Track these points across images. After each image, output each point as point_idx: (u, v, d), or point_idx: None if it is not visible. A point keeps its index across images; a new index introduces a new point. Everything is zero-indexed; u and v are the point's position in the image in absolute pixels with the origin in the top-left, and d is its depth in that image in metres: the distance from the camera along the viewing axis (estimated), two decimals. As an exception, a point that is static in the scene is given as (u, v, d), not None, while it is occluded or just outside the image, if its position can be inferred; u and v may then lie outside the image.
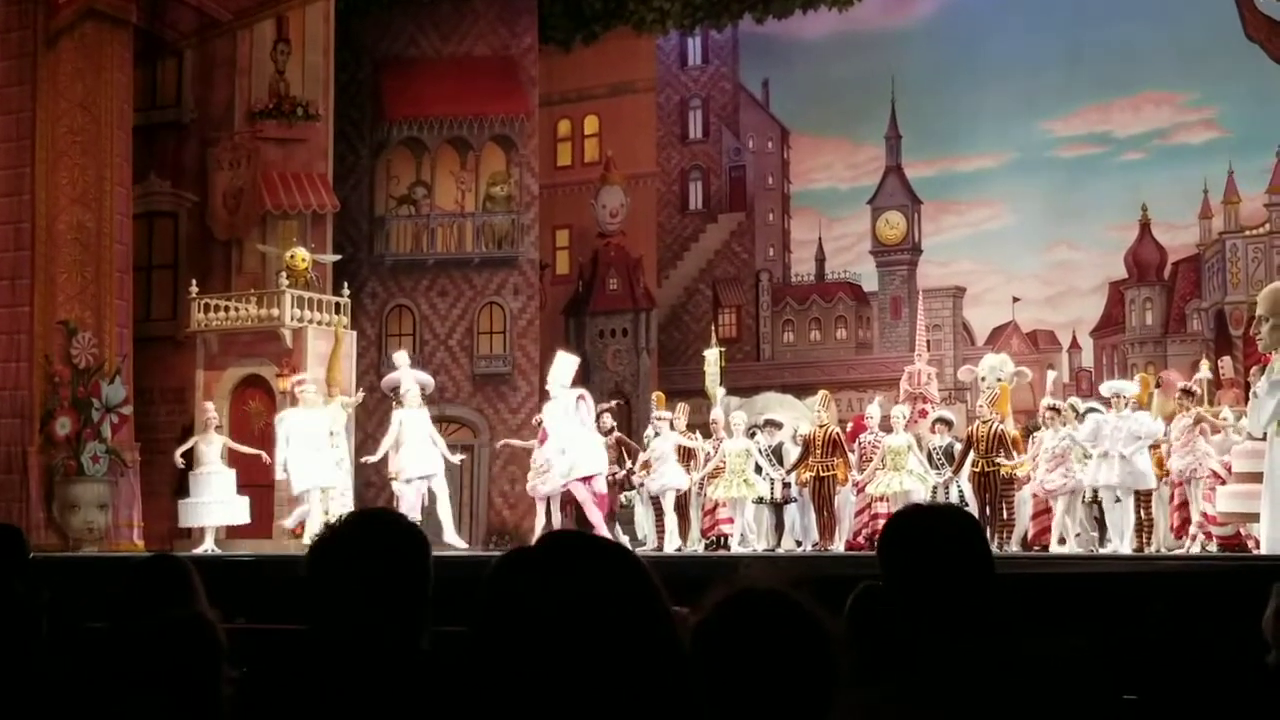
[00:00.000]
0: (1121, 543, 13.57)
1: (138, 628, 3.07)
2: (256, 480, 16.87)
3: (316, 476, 15.53)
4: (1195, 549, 13.06)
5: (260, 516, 16.84)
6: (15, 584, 4.00)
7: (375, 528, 2.81)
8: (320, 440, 15.60)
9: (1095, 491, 14.15)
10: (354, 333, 18.84)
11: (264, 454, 16.37)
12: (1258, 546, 11.76)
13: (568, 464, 14.35)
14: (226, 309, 18.15)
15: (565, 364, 14.94)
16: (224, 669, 3.06)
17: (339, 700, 2.75)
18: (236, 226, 20.06)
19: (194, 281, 18.47)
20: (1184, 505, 13.62)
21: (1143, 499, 13.92)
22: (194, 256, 20.15)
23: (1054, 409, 14.28)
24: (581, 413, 14.67)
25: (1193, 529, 13.31)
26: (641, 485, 15.95)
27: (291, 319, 17.67)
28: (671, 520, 15.82)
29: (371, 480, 18.79)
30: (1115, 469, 13.54)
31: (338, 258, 19.58)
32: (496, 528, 20.72)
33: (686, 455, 16.21)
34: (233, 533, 16.67)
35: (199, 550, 15.86)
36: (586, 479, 14.46)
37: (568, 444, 14.24)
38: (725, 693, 1.97)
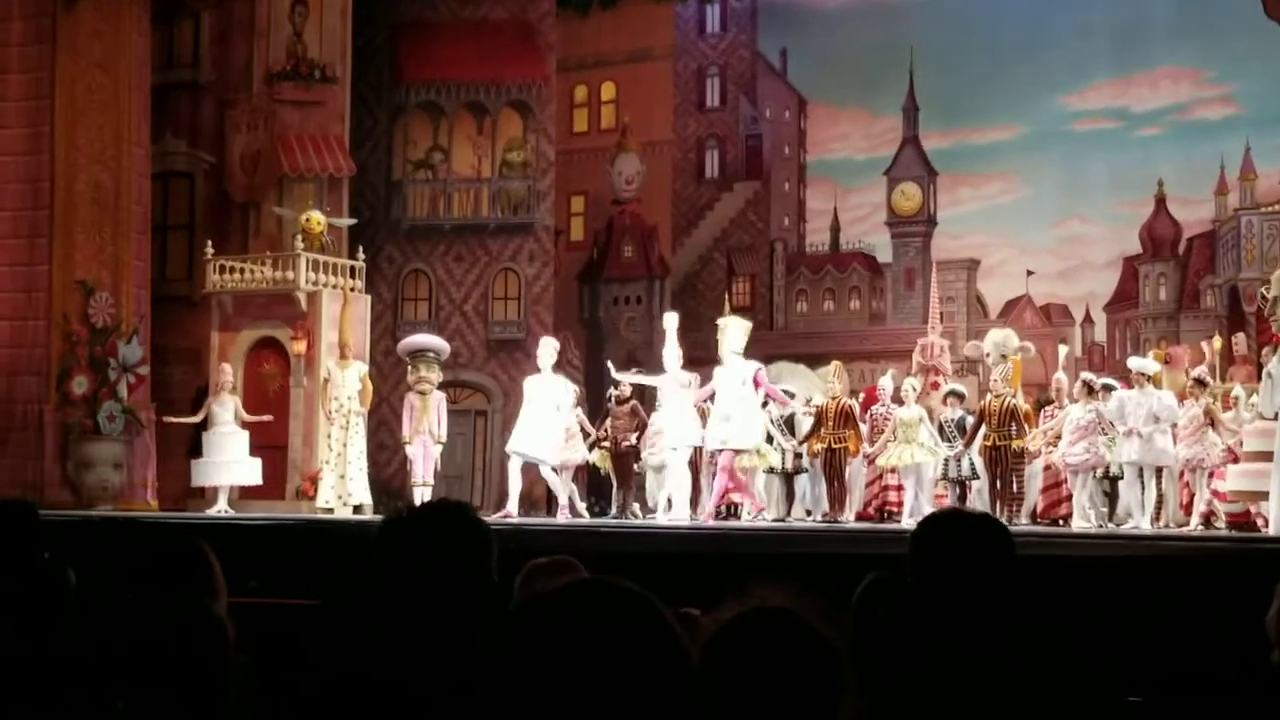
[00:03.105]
0: (1143, 519, 13.59)
1: (145, 621, 3.12)
2: (270, 441, 16.97)
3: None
4: (1200, 529, 13.13)
5: (273, 478, 16.94)
6: (39, 559, 4.06)
7: (440, 520, 2.88)
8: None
9: (1109, 467, 14.20)
10: (368, 297, 18.87)
11: (272, 418, 16.52)
12: (1266, 525, 11.80)
13: (727, 431, 14.27)
14: (241, 271, 18.19)
15: (739, 330, 14.76)
16: (232, 660, 3.11)
17: (368, 687, 2.80)
18: (253, 189, 20.10)
19: (209, 243, 18.50)
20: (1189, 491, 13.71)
21: (1156, 475, 13.95)
22: (210, 218, 20.19)
23: (1086, 383, 14.29)
24: (751, 385, 14.43)
25: (1195, 519, 13.34)
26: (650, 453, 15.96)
27: (306, 282, 17.70)
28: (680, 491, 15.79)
29: (385, 443, 18.90)
30: (1136, 446, 13.56)
31: (354, 221, 19.60)
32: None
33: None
34: (246, 493, 16.75)
35: (212, 510, 15.97)
36: (735, 451, 14.41)
37: (733, 411, 14.15)
38: (731, 710, 2.02)
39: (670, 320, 15.49)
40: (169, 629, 3.05)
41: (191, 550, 3.92)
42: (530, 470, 19.80)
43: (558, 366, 15.88)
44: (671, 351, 15.09)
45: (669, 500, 15.02)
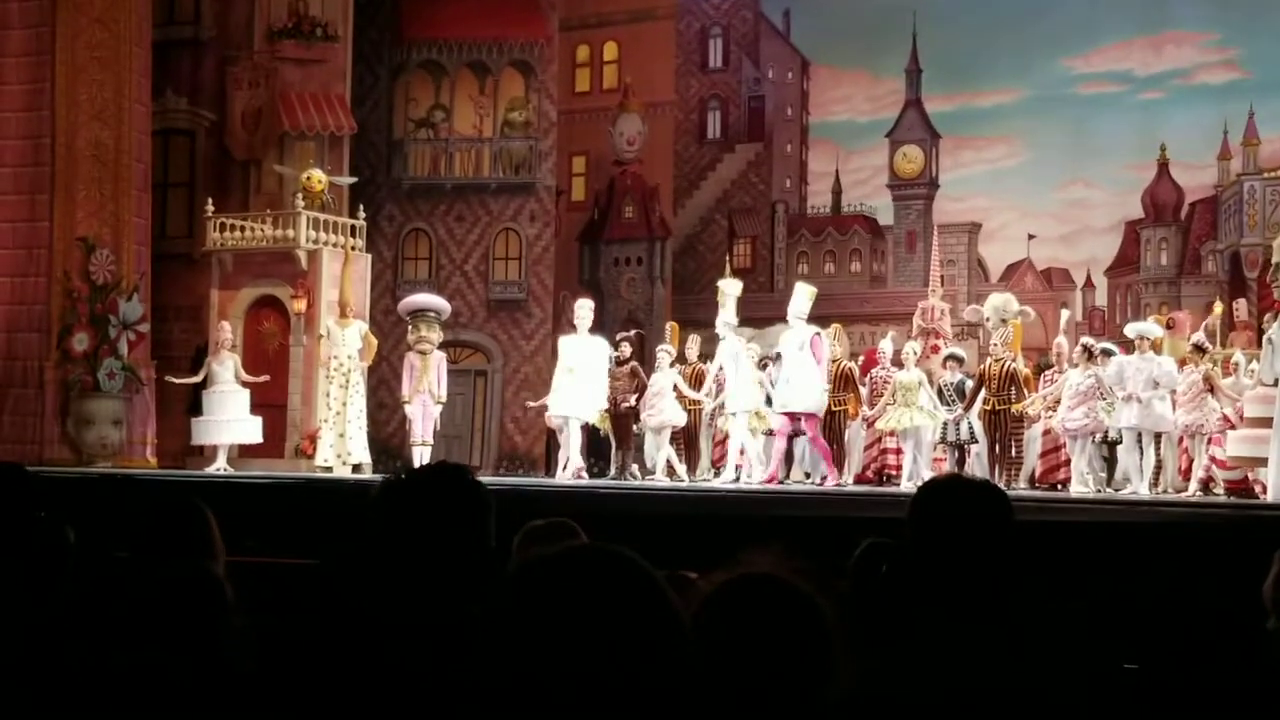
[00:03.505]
0: (1141, 485, 13.63)
1: (142, 581, 3.13)
2: (269, 400, 16.99)
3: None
4: (1198, 495, 13.18)
5: (272, 436, 16.98)
6: (33, 519, 4.06)
7: (438, 483, 2.88)
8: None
9: (1107, 432, 14.22)
10: (368, 256, 18.86)
11: (269, 379, 16.55)
12: (1264, 492, 11.82)
13: (787, 395, 14.34)
14: (242, 229, 18.17)
15: (804, 295, 14.81)
16: (229, 621, 3.12)
17: (364, 649, 2.81)
18: (254, 147, 20.05)
19: (210, 201, 18.48)
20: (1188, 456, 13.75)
21: (1155, 440, 13.99)
22: (210, 175, 20.15)
23: (1085, 348, 14.29)
24: (808, 349, 14.48)
25: (1194, 485, 13.39)
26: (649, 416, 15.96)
27: (307, 240, 17.69)
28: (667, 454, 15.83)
29: (385, 402, 18.92)
30: (1135, 411, 13.59)
31: (354, 180, 19.55)
32: (507, 453, 20.84)
33: (698, 386, 16.23)
34: (245, 451, 16.79)
35: (211, 469, 16.02)
36: (798, 415, 14.47)
37: (793, 375, 14.23)
38: (722, 675, 2.02)
39: (731, 286, 15.47)
40: (166, 589, 3.06)
41: (189, 510, 3.92)
42: (531, 427, 19.90)
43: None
44: (726, 317, 15.09)
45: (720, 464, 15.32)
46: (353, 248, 17.95)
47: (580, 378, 15.36)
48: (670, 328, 17.77)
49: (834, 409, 15.44)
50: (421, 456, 16.09)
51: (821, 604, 2.18)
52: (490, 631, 1.67)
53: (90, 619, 3.18)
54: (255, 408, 16.50)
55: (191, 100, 20.40)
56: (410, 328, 16.44)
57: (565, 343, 15.81)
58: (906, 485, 14.37)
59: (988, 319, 15.52)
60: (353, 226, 18.34)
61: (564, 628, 1.60)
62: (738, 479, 14.81)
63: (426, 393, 16.04)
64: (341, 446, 16.41)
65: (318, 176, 18.09)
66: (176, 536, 3.76)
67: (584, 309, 15.82)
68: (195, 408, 16.80)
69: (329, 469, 16.30)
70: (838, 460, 15.56)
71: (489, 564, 2.81)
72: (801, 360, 14.20)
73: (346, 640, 2.91)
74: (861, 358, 16.86)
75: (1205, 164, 20.94)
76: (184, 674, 2.79)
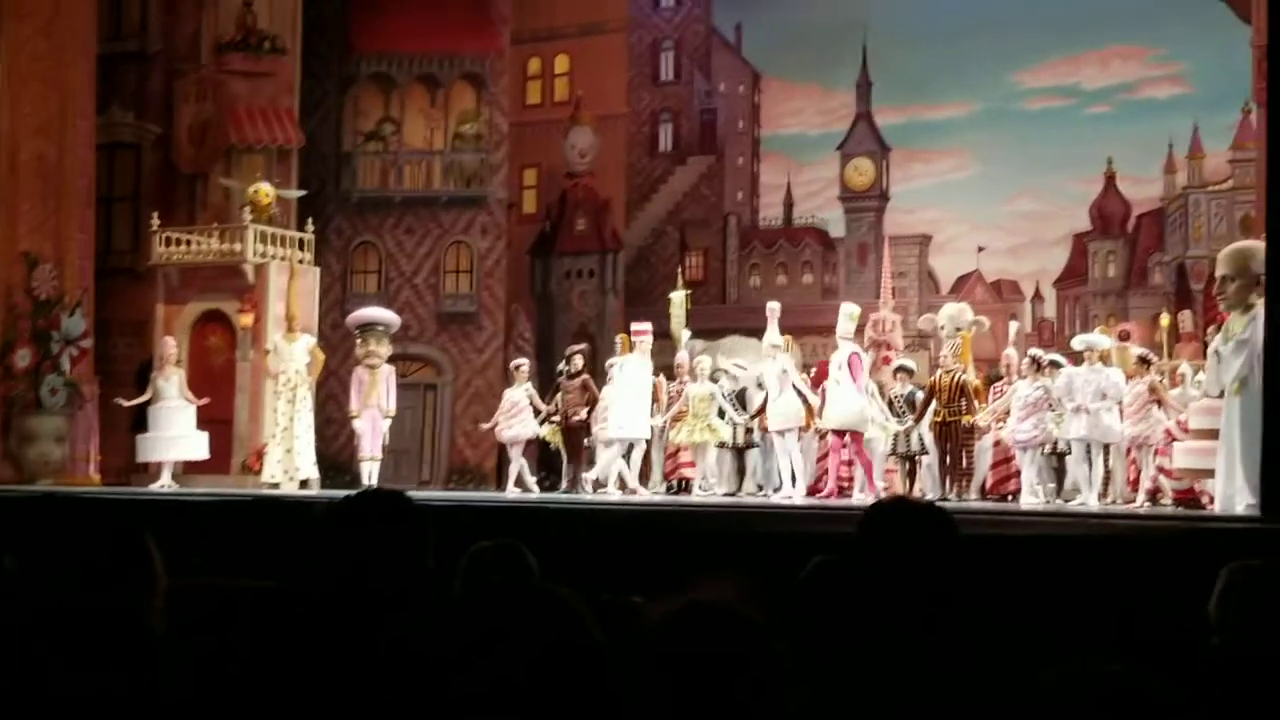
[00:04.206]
0: (1090, 495, 13.69)
1: (69, 617, 3.05)
2: (216, 415, 16.84)
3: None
4: (1146, 506, 13.26)
5: (219, 452, 16.83)
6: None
7: (378, 509, 2.85)
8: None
9: (1056, 443, 14.28)
10: (317, 269, 18.74)
11: (209, 401, 16.42)
12: (1212, 502, 11.88)
13: (829, 413, 14.32)
14: (188, 243, 18.03)
15: (845, 316, 14.82)
16: (161, 654, 3.05)
17: (299, 671, 2.77)
18: (201, 160, 19.90)
19: (156, 214, 18.32)
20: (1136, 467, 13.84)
21: (1103, 451, 14.06)
22: (156, 189, 19.98)
23: (1034, 360, 14.35)
24: (846, 369, 14.48)
25: (1141, 496, 13.48)
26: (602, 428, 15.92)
27: (254, 254, 17.57)
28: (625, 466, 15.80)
29: (333, 417, 18.79)
30: (1083, 423, 13.66)
31: (302, 193, 19.45)
32: (458, 467, 20.73)
33: (651, 398, 16.22)
34: (190, 468, 16.63)
35: (155, 485, 15.85)
36: (841, 434, 14.44)
37: (834, 393, 14.23)
38: (668, 706, 1.98)
39: (773, 306, 15.50)
40: (92, 627, 2.98)
41: (130, 540, 3.83)
42: (481, 441, 19.79)
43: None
44: (771, 337, 15.11)
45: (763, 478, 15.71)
46: (301, 261, 17.85)
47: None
48: (622, 340, 17.73)
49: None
50: (370, 471, 16.01)
51: (770, 631, 2.14)
52: (421, 662, 1.64)
53: (18, 652, 3.10)
54: (201, 423, 16.36)
55: (137, 114, 20.23)
56: (359, 342, 16.37)
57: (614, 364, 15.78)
58: (859, 497, 14.38)
59: (941, 328, 15.55)
60: (301, 240, 18.23)
61: (493, 663, 1.57)
62: (777, 490, 14.94)
63: (375, 407, 15.98)
64: (289, 462, 16.29)
65: (265, 190, 17.98)
66: (112, 569, 3.67)
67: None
68: (140, 424, 16.63)
69: (276, 485, 16.16)
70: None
71: (426, 587, 2.77)
72: (840, 379, 14.23)
73: (286, 661, 2.86)
74: (814, 370, 16.86)
75: (1151, 177, 21.10)
76: (113, 705, 2.72)
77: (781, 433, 14.82)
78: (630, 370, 15.35)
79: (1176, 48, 20.54)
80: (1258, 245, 10.69)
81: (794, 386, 14.84)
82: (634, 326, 15.80)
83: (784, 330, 16.47)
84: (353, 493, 3.09)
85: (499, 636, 1.58)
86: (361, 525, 2.80)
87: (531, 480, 16.48)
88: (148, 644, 2.95)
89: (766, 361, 15.14)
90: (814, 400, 14.62)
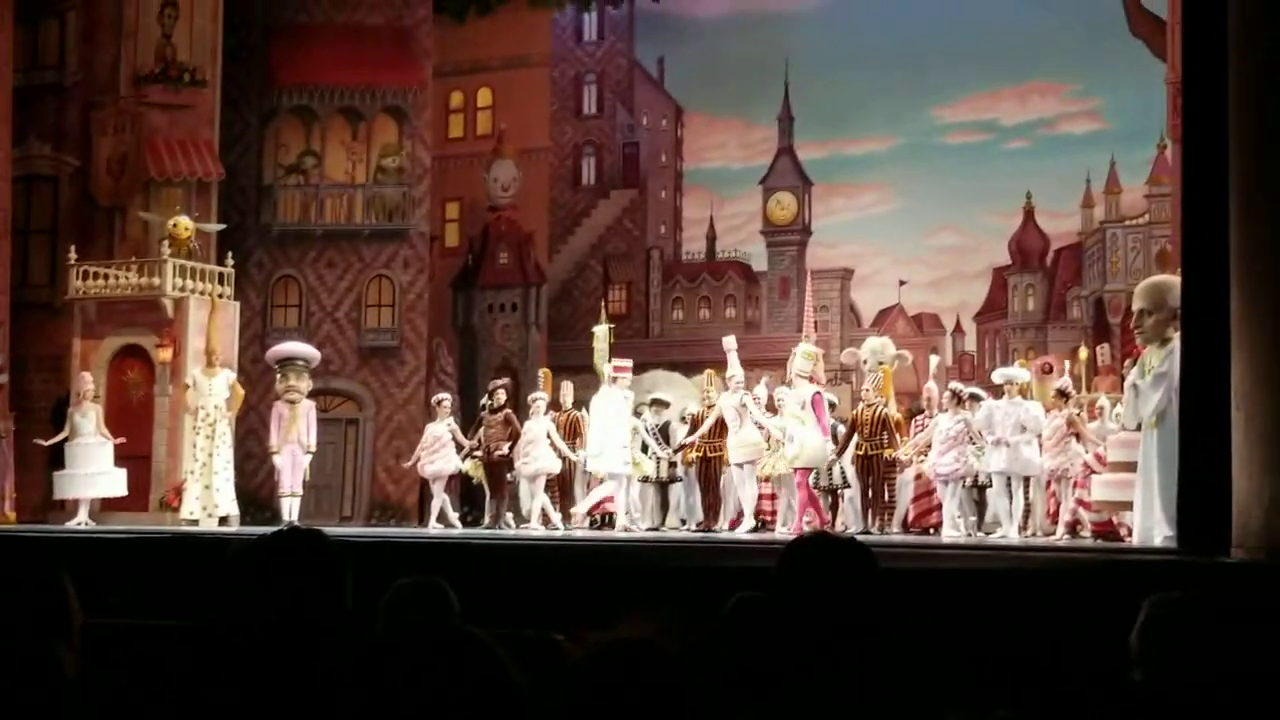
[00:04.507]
0: (1011, 528, 13.78)
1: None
2: (133, 452, 16.65)
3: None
4: (1066, 538, 13.38)
5: (136, 489, 16.63)
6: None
7: (295, 547, 2.81)
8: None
9: (977, 476, 14.37)
10: (237, 303, 18.59)
11: (125, 440, 16.22)
12: (1130, 535, 11.99)
13: (793, 451, 14.25)
14: (106, 277, 17.83)
15: (803, 356, 14.82)
16: (74, 693, 3.00)
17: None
18: (120, 193, 19.69)
19: (73, 248, 18.11)
20: (1055, 500, 13.96)
21: (1023, 483, 14.16)
22: (74, 222, 19.75)
23: (954, 393, 14.45)
24: (810, 408, 14.46)
25: (1061, 528, 13.59)
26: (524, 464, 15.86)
27: (173, 288, 17.41)
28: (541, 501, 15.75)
29: (253, 452, 18.61)
30: (1003, 455, 13.76)
31: (222, 226, 19.30)
32: (380, 502, 20.58)
33: (573, 433, 16.22)
34: (108, 504, 16.41)
35: (72, 523, 15.64)
36: (805, 470, 14.40)
37: (797, 432, 14.20)
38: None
39: (728, 342, 15.58)
40: (3, 668, 2.93)
41: (46, 579, 3.76)
42: (403, 476, 19.65)
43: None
44: (732, 370, 15.17)
45: (705, 511, 15.75)
46: (220, 295, 17.70)
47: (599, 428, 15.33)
48: (544, 374, 17.72)
49: (709, 455, 15.51)
50: (290, 507, 15.89)
51: (691, 668, 2.13)
52: (342, 706, 1.62)
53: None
54: (119, 460, 16.16)
55: (55, 146, 20.00)
56: (279, 377, 16.26)
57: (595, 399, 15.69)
58: (781, 531, 14.41)
59: (865, 361, 15.65)
60: (220, 274, 18.09)
61: (411, 704, 1.55)
62: (758, 528, 14.89)
63: (295, 442, 15.87)
64: (208, 498, 16.13)
65: (184, 223, 17.83)
66: (27, 605, 3.60)
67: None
68: (57, 460, 16.40)
69: (195, 521, 16.00)
70: (714, 507, 15.62)
71: (343, 627, 2.73)
72: (804, 417, 14.24)
73: (201, 702, 2.82)
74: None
75: (1069, 212, 21.36)
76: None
77: (742, 465, 14.82)
78: (605, 405, 15.29)
79: (1094, 84, 20.83)
80: (1174, 279, 10.83)
81: (754, 419, 14.88)
82: (615, 363, 15.79)
83: (706, 365, 16.57)
84: (269, 531, 3.05)
85: (416, 677, 1.56)
86: (277, 565, 2.76)
87: (454, 516, 16.40)
88: (60, 686, 2.90)
89: (725, 395, 15.17)
90: (776, 431, 14.63)
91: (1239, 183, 8.10)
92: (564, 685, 1.99)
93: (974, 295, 22.04)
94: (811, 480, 14.89)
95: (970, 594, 7.36)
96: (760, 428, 14.88)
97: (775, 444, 14.82)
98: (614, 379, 15.48)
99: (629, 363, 15.93)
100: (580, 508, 15.64)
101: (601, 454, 15.12)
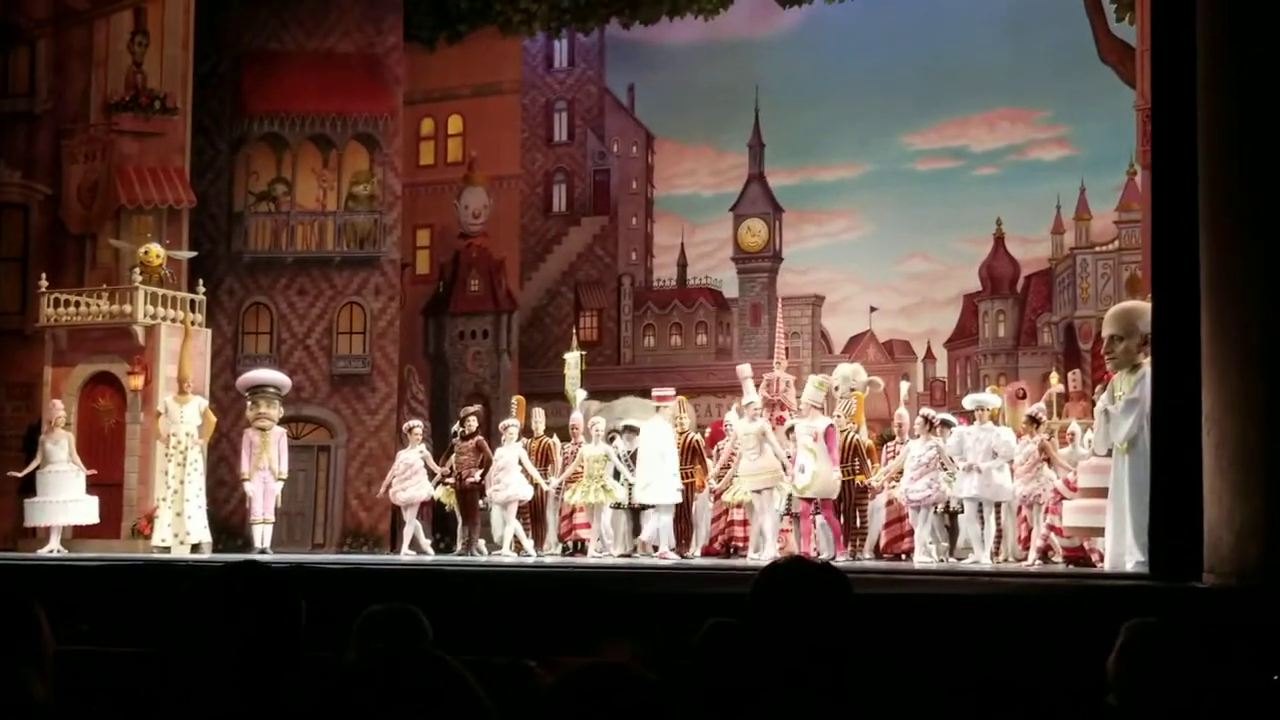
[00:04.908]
0: (982, 553, 13.82)
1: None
2: (105, 479, 16.58)
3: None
4: (1038, 564, 13.41)
5: (108, 516, 16.56)
6: None
7: (245, 581, 2.82)
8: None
9: (949, 502, 14.41)
10: (208, 330, 18.55)
11: (96, 472, 16.15)
12: (1101, 560, 12.03)
13: (803, 481, 14.28)
14: (77, 304, 17.79)
15: (813, 386, 14.85)
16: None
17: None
18: (90, 220, 19.64)
19: (44, 275, 18.05)
20: (1027, 526, 14.00)
21: (995, 509, 14.19)
22: (45, 250, 19.69)
23: (926, 419, 14.48)
24: (823, 440, 14.46)
25: (1033, 554, 13.62)
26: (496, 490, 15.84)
27: (144, 316, 17.38)
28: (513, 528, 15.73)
29: (225, 480, 18.54)
30: (975, 481, 13.80)
31: (193, 254, 19.28)
32: (352, 529, 20.52)
33: (545, 459, 16.22)
34: (80, 532, 16.35)
35: (44, 550, 15.56)
36: (814, 500, 14.39)
37: (806, 463, 14.19)
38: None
39: (743, 370, 15.68)
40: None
41: (17, 607, 3.74)
42: (375, 504, 19.61)
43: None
44: (749, 399, 15.18)
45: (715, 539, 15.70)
46: (192, 322, 17.66)
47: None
48: (516, 401, 17.71)
49: (681, 481, 15.50)
50: (262, 535, 15.86)
51: (665, 693, 2.13)
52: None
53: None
54: (91, 487, 16.10)
55: (25, 173, 19.95)
56: (250, 404, 16.23)
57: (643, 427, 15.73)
58: (753, 557, 14.41)
59: (836, 388, 15.69)
60: (192, 301, 18.05)
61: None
62: (729, 554, 14.96)
63: (267, 469, 15.85)
64: (180, 526, 16.07)
65: (155, 251, 17.80)
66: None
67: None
68: (28, 488, 16.31)
69: (167, 549, 15.93)
70: (685, 534, 15.61)
71: (294, 662, 2.74)
72: (816, 449, 14.23)
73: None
74: (708, 430, 16.94)
75: (1039, 238, 21.45)
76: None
77: (759, 492, 14.80)
78: (653, 435, 15.28)
79: (1063, 111, 20.94)
80: (1144, 305, 10.90)
81: (772, 449, 14.85)
82: (657, 391, 15.87)
83: (678, 391, 16.56)
84: (219, 564, 3.06)
85: (387, 704, 1.57)
86: (226, 598, 2.77)
87: (426, 543, 16.37)
88: (30, 713, 2.88)
89: (742, 422, 15.16)
90: (783, 458, 14.66)
91: (1208, 209, 8.16)
92: (537, 711, 2.00)
93: (945, 321, 22.09)
94: (782, 506, 14.92)
95: (942, 619, 7.38)
96: (790, 457, 14.80)
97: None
98: (657, 408, 15.56)
99: (671, 390, 16.03)
100: (646, 536, 15.46)
101: (650, 485, 15.13)
